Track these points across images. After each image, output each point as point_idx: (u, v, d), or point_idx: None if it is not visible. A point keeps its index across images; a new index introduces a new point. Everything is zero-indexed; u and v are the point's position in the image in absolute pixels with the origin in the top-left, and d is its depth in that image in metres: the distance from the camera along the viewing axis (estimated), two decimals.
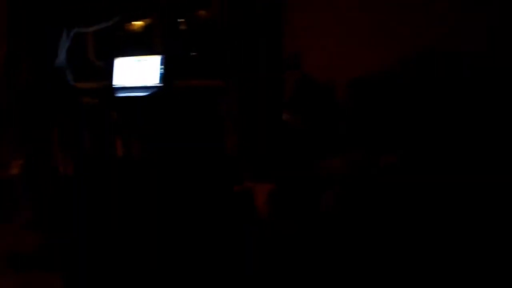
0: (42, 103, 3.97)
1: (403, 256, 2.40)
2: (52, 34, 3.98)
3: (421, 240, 2.40)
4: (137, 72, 4.46)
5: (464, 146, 2.67)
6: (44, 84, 3.94)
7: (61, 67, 3.97)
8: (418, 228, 2.45)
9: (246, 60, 4.04)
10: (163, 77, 4.34)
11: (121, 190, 3.53)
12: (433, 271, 2.30)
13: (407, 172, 2.67)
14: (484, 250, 2.29)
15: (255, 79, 3.99)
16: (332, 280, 2.43)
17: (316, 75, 3.62)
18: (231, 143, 3.64)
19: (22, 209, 4.49)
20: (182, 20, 4.67)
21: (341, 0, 3.53)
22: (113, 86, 4.41)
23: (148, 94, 4.25)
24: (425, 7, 2.94)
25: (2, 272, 3.32)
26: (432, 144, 2.72)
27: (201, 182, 3.23)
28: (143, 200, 3.22)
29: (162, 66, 4.35)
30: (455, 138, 2.71)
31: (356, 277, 2.39)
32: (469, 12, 2.89)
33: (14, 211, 4.45)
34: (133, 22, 4.85)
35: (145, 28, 4.81)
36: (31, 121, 4.09)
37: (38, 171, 4.30)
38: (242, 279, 2.46)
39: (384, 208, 2.57)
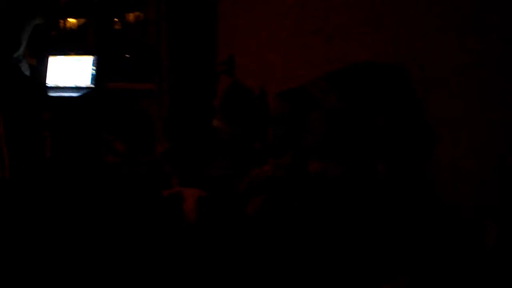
0: None
1: (328, 262, 2.45)
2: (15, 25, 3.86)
3: (346, 245, 2.45)
4: (70, 71, 4.39)
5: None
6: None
7: (18, 59, 3.85)
8: (344, 234, 2.50)
9: (178, 63, 4.05)
10: (95, 79, 4.28)
11: (50, 192, 3.47)
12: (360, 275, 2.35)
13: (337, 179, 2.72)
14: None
15: (186, 83, 4.00)
16: (256, 285, 2.46)
17: (248, 81, 3.64)
18: (161, 148, 3.63)
19: None
20: (116, 20, 4.63)
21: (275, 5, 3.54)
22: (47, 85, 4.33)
23: (79, 96, 4.19)
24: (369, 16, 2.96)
25: None
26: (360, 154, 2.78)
27: (128, 186, 3.21)
28: (72, 203, 3.17)
29: (94, 67, 4.29)
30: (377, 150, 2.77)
31: (281, 282, 2.43)
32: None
33: None
34: (68, 20, 4.77)
35: (80, 26, 4.74)
36: None
37: None
38: (169, 284, 2.47)
39: (310, 213, 2.62)
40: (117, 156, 4.11)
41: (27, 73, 3.90)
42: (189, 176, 3.20)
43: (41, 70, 4.18)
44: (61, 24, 4.71)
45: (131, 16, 4.68)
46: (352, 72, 2.83)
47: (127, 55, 4.35)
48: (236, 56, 3.84)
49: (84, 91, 4.24)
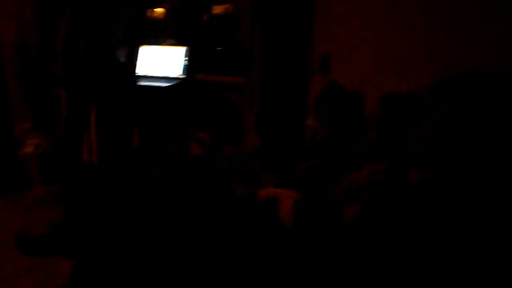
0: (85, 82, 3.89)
1: (427, 271, 2.35)
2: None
3: (449, 256, 2.34)
4: (162, 61, 4.39)
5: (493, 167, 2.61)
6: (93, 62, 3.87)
7: (115, 45, 3.88)
8: (446, 244, 2.39)
9: (270, 59, 3.98)
10: (187, 69, 4.27)
11: (134, 181, 3.47)
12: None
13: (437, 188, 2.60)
14: None
15: (278, 80, 3.92)
16: None
17: (344, 81, 3.54)
18: (251, 143, 3.57)
19: (34, 189, 4.47)
20: (207, 12, 4.59)
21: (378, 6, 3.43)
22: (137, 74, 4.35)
23: (170, 85, 4.18)
24: (471, 23, 2.84)
25: (9, 254, 3.29)
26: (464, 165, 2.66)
27: (216, 180, 3.15)
28: (155, 194, 3.15)
29: (187, 58, 4.28)
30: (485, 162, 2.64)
31: None
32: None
33: (26, 191, 4.43)
34: (156, 10, 4.76)
35: (170, 17, 4.73)
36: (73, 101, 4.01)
37: (62, 153, 4.26)
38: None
39: (409, 222, 2.52)
40: (203, 148, 4.09)
41: (122, 60, 3.90)
42: (281, 175, 3.13)
43: (131, 59, 4.18)
44: (149, 14, 4.69)
45: (219, 9, 4.62)
46: (464, 80, 2.70)
47: (218, 48, 4.29)
48: (332, 54, 3.74)
49: (176, 81, 4.23)
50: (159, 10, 4.69)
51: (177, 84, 4.19)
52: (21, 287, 3.07)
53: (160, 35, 4.69)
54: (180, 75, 4.27)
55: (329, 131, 3.32)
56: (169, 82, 4.22)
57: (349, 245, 2.49)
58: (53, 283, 3.00)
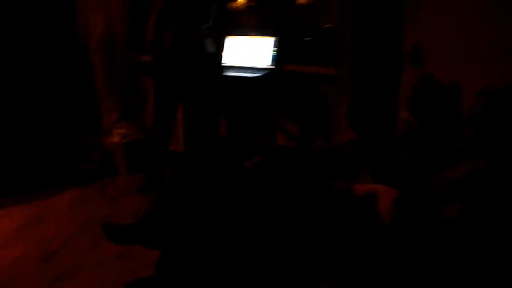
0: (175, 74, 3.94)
1: None
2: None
3: None
4: (249, 52, 4.41)
5: None
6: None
7: (204, 33, 3.92)
8: None
9: (361, 49, 3.91)
10: (276, 60, 4.26)
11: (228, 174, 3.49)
12: None
13: None
14: None
15: (369, 71, 3.86)
16: None
17: (439, 74, 3.45)
18: (344, 136, 3.54)
19: (119, 178, 4.59)
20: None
21: None
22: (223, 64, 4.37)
23: (258, 76, 4.19)
24: None
25: (97, 241, 3.39)
26: None
27: (314, 177, 3.14)
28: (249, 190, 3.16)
29: (275, 48, 4.27)
30: None
31: None
32: None
33: (112, 179, 4.56)
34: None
35: (257, 7, 4.72)
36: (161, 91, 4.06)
37: (149, 143, 4.34)
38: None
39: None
40: (291, 139, 4.09)
41: (212, 49, 3.92)
42: (377, 169, 3.09)
43: (218, 49, 4.20)
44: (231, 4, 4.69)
45: None
46: None
47: (307, 38, 4.25)
48: (424, 46, 3.64)
49: (264, 72, 4.23)
50: (240, 1, 4.69)
51: (266, 75, 4.19)
52: (108, 274, 3.13)
53: (245, 25, 4.69)
54: (269, 65, 4.27)
55: (423, 125, 3.25)
56: (257, 73, 4.23)
57: (449, 244, 2.45)
58: (140, 272, 3.04)
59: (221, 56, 4.17)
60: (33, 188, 4.25)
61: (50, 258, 3.33)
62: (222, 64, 4.30)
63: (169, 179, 4.02)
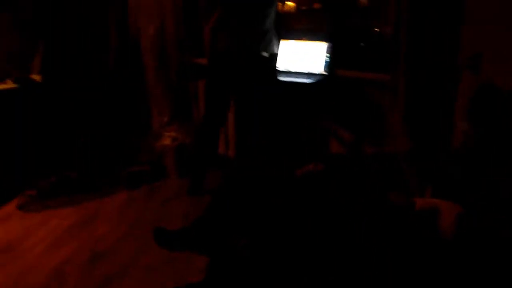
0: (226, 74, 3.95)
1: None
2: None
3: None
4: (302, 57, 4.37)
5: None
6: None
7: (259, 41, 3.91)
8: None
9: (417, 55, 3.81)
10: (329, 66, 4.21)
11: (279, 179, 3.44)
12: None
13: None
14: None
15: (425, 77, 3.76)
16: None
17: (499, 82, 3.33)
18: (400, 148, 3.44)
19: (169, 181, 4.60)
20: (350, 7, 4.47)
21: None
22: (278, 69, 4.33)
23: (312, 82, 4.14)
24: None
25: (147, 245, 3.39)
26: None
27: (372, 189, 3.04)
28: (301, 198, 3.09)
29: (328, 54, 4.22)
30: None
31: None
32: None
33: (162, 182, 4.57)
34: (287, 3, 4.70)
35: (308, 11, 4.66)
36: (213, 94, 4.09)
37: (199, 146, 4.34)
38: None
39: None
40: (343, 146, 4.02)
41: (267, 53, 3.89)
42: (437, 182, 2.99)
43: (272, 53, 4.16)
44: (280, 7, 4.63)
45: (361, 2, 4.48)
46: None
47: (361, 43, 4.18)
48: (485, 50, 3.52)
49: (317, 77, 4.18)
50: (290, 4, 4.64)
51: (320, 81, 4.14)
52: (157, 278, 3.15)
53: (296, 29, 4.64)
54: (322, 71, 4.22)
55: (483, 135, 3.14)
56: (310, 78, 4.19)
57: None
58: (189, 278, 3.05)
59: (276, 61, 4.14)
60: (84, 190, 4.30)
61: (99, 259, 3.37)
62: (277, 69, 4.27)
63: (221, 183, 4.00)
